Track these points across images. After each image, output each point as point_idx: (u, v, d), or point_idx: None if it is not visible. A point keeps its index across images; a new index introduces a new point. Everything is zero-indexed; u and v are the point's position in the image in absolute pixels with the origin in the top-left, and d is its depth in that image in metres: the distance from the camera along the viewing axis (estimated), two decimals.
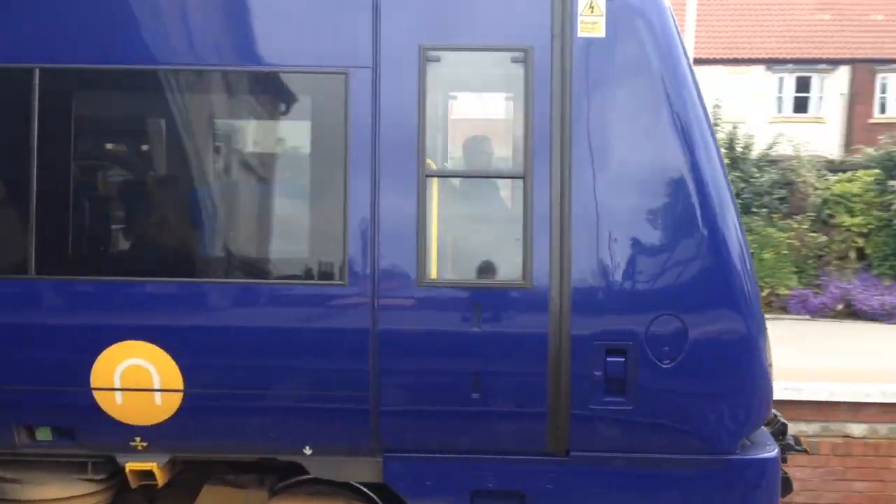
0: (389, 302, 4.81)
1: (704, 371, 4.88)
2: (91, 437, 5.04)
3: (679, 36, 5.00)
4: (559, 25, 4.83)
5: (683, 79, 4.92)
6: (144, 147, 5.11)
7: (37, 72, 4.77)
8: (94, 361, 4.85)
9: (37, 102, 4.76)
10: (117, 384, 4.88)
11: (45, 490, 5.09)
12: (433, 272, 4.83)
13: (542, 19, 4.84)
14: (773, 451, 5.16)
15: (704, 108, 4.98)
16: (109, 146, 5.12)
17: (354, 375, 4.86)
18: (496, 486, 5.06)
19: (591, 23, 4.85)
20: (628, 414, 4.89)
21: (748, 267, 4.95)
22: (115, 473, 5.26)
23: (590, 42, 4.84)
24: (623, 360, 4.82)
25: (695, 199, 4.85)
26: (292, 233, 4.96)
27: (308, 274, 4.89)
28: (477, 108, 5.09)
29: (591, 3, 4.86)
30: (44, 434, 5.05)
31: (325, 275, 4.84)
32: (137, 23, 4.81)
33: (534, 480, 5.04)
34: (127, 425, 4.96)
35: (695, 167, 4.86)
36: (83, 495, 5.17)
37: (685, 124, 4.86)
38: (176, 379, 4.87)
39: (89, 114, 4.98)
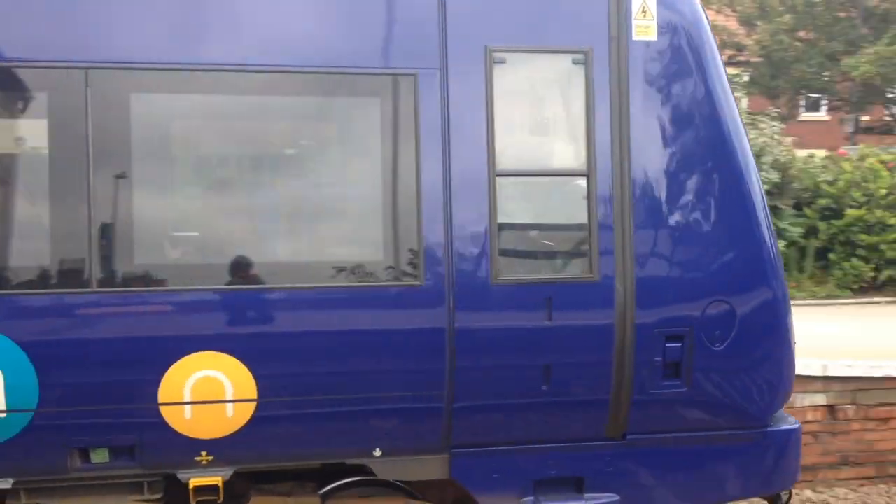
0: (465, 300, 4.86)
1: (749, 350, 5.26)
2: (153, 456, 4.79)
3: (712, 34, 5.34)
4: (616, 28, 5.03)
5: (720, 76, 5.25)
6: (219, 151, 4.88)
7: None
8: (163, 376, 4.62)
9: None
10: (187, 398, 4.67)
11: None
12: (505, 270, 4.93)
13: (600, 22, 5.03)
14: (795, 424, 5.63)
15: (735, 103, 5.34)
16: (176, 152, 4.85)
17: (430, 375, 4.89)
18: (557, 474, 5.24)
19: (644, 26, 5.08)
20: (682, 396, 5.19)
21: (776, 250, 5.37)
22: (166, 491, 5.02)
23: (643, 44, 5.07)
24: (680, 345, 5.11)
25: (738, 190, 5.21)
26: (365, 235, 4.90)
27: (384, 276, 4.85)
28: (540, 107, 5.18)
29: (644, 7, 5.09)
30: (100, 456, 4.75)
31: (402, 275, 4.83)
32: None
33: (592, 465, 5.26)
34: (193, 440, 4.76)
35: (735, 160, 5.21)
36: None
37: (725, 119, 5.20)
38: (250, 389, 4.71)
39: (151, 117, 4.69)
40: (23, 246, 4.55)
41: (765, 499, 5.90)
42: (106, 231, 4.56)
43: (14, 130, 4.69)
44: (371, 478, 5.31)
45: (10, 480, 4.72)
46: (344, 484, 5.37)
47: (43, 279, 4.52)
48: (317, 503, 5.30)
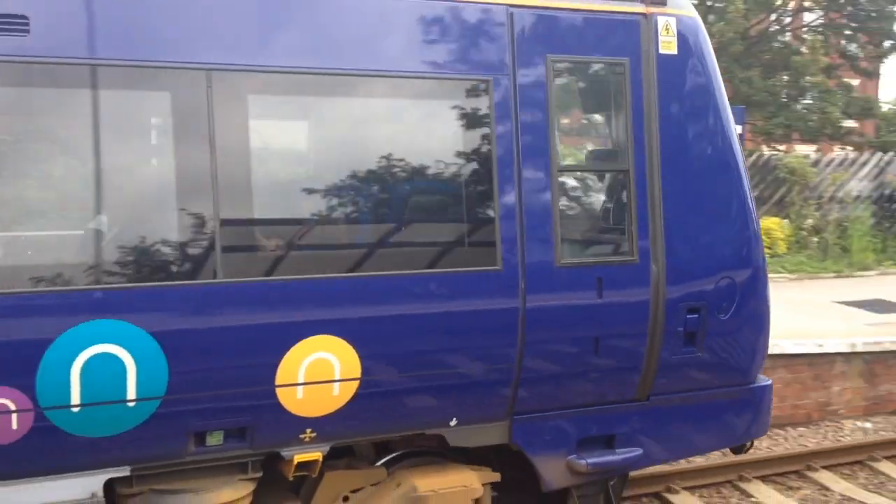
0: (534, 282, 5.49)
1: (745, 318, 6.22)
2: (264, 436, 5.08)
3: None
4: (646, 43, 5.82)
5: (720, 84, 6.17)
6: (333, 152, 5.20)
7: None
8: (281, 359, 4.94)
9: None
10: (301, 379, 5.00)
11: (221, 496, 5.02)
12: (566, 254, 5.60)
13: (635, 38, 5.80)
14: (769, 381, 6.68)
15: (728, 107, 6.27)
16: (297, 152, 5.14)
17: (504, 350, 5.49)
18: (596, 433, 5.99)
19: (667, 42, 5.90)
20: (696, 360, 6.09)
21: (759, 229, 6.37)
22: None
23: (667, 57, 5.89)
24: (697, 316, 6.00)
25: (738, 180, 6.16)
26: (453, 227, 5.41)
27: (468, 262, 5.39)
28: (588, 110, 5.88)
29: (667, 25, 5.91)
30: (215, 438, 4.98)
31: (484, 262, 5.39)
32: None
33: (622, 423, 6.05)
34: (301, 418, 5.09)
35: (735, 155, 6.15)
36: (247, 495, 5.17)
37: (725, 121, 6.13)
38: (355, 368, 5.11)
39: (274, 119, 4.98)
40: (156, 241, 4.72)
41: (731, 448, 6.95)
42: (231, 226, 4.82)
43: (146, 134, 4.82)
44: (422, 448, 5.87)
45: (128, 468, 4.86)
46: (404, 454, 5.88)
47: (174, 272, 4.71)
48: (382, 473, 5.76)
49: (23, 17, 4.46)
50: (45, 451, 4.59)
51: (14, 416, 4.45)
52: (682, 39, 5.96)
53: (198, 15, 4.79)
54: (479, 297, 5.39)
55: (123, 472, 4.85)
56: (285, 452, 5.19)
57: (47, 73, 4.52)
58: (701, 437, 6.43)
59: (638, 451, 6.13)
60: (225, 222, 4.79)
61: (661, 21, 5.89)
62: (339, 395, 5.13)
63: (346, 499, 5.64)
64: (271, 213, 5.02)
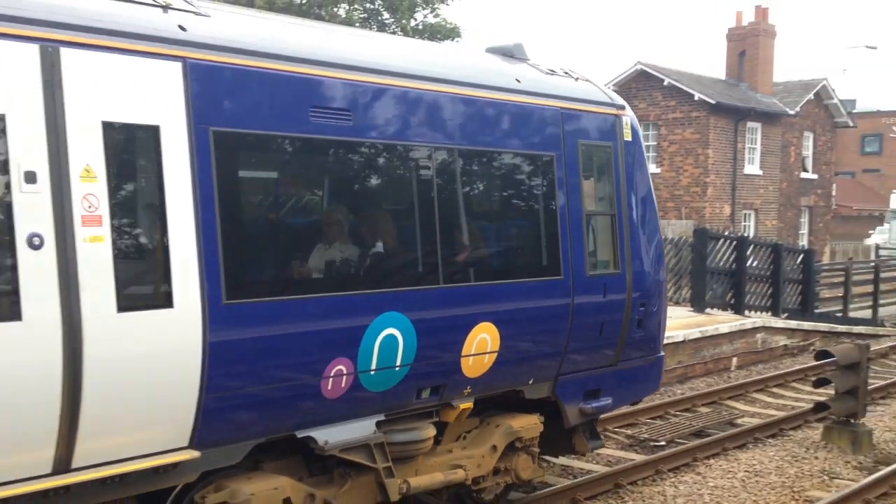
0: (578, 287, 8.56)
1: (659, 309, 9.73)
2: (449, 392, 7.62)
3: None
4: (619, 133, 9.18)
5: (644, 156, 9.74)
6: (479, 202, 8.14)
7: None
8: (466, 337, 7.55)
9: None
10: (472, 351, 7.65)
11: (429, 432, 7.51)
12: (590, 269, 8.75)
13: (614, 130, 9.14)
14: (663, 353, 10.25)
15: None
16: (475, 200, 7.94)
17: (561, 332, 8.48)
18: (592, 387, 9.16)
19: (627, 132, 9.32)
20: (641, 337, 9.48)
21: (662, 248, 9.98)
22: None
23: (627, 142, 9.29)
24: (644, 308, 9.39)
25: (657, 220, 9.76)
26: (538, 251, 8.40)
27: (547, 273, 8.35)
28: (596, 175, 9.14)
29: (627, 122, 9.32)
30: (426, 393, 7.46)
31: (553, 273, 8.38)
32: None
33: (604, 381, 9.29)
34: (468, 379, 7.71)
35: (654, 202, 9.72)
36: (434, 434, 7.64)
37: (649, 180, 9.71)
38: (497, 344, 7.84)
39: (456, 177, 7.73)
40: (411, 261, 7.33)
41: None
42: (449, 252, 7.48)
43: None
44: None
45: (383, 415, 7.21)
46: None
47: (425, 279, 7.27)
48: (476, 421, 8.39)
49: (346, 110, 6.75)
50: (354, 401, 6.83)
51: (344, 377, 6.69)
52: (633, 131, 9.42)
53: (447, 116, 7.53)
54: (552, 297, 8.37)
55: (381, 417, 7.18)
56: (455, 402, 7.78)
57: (364, 149, 6.93)
58: (637, 389, 9.96)
59: (610, 400, 9.40)
60: (445, 251, 7.46)
61: (624, 119, 9.31)
62: (486, 362, 7.83)
63: (463, 437, 8.31)
64: (466, 243, 7.81)
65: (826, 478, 11.12)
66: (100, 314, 5.36)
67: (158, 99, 5.68)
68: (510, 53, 9.03)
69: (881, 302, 27.75)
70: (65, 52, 5.29)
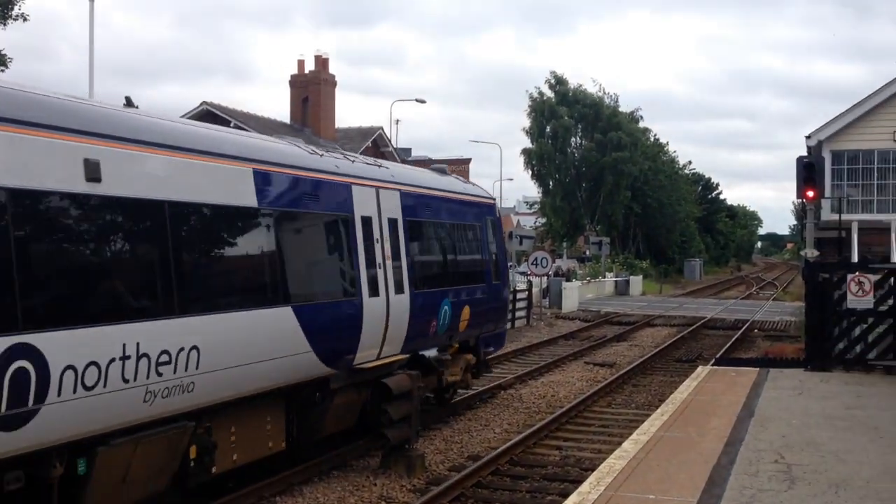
0: (499, 286, 17.73)
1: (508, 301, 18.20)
2: (454, 339, 16.39)
3: None
4: (493, 213, 17.76)
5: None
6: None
7: None
8: (461, 312, 15.35)
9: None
10: (465, 318, 16.10)
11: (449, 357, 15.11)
12: (496, 279, 17.65)
13: (492, 211, 17.72)
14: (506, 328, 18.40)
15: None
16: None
17: (490, 311, 17.59)
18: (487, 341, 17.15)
19: (494, 212, 17.42)
20: (503, 316, 18.25)
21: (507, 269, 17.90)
22: None
23: (495, 218, 17.55)
24: (506, 301, 17.93)
25: (505, 257, 18.29)
26: (483, 271, 17.36)
27: (485, 281, 17.33)
28: (489, 238, 17.84)
29: (494, 205, 17.49)
30: (451, 339, 14.80)
31: (487, 281, 17.32)
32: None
33: (490, 340, 17.39)
34: (459, 333, 16.84)
35: (505, 251, 17.96)
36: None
37: (503, 238, 17.78)
38: (468, 315, 16.56)
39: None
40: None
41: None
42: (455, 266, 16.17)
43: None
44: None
45: (436, 349, 14.89)
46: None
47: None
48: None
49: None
50: (435, 338, 16.81)
51: (435, 325, 14.85)
52: (497, 211, 17.28)
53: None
54: (487, 293, 16.47)
55: (437, 349, 15.10)
56: (453, 343, 15.61)
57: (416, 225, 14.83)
58: (498, 345, 18.29)
59: (493, 348, 17.61)
60: (452, 269, 15.63)
61: (495, 204, 17.28)
62: (463, 326, 15.71)
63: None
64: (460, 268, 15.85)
65: (384, 503, 11.76)
66: (391, 293, 13.61)
67: (395, 206, 14.23)
68: (443, 170, 16.97)
69: None
70: (381, 192, 13.96)
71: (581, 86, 78.32)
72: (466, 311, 15.51)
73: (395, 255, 13.77)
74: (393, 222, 13.89)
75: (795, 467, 10.44)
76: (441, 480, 12.74)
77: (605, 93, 79.22)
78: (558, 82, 77.82)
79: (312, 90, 41.65)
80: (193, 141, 10.07)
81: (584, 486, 9.73)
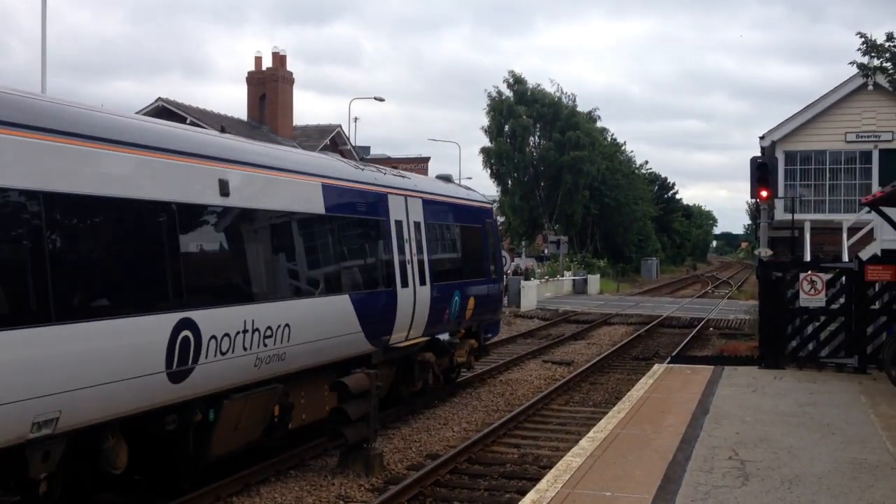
0: (496, 280, 18.93)
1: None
2: (462, 325, 17.76)
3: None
4: (492, 216, 18.79)
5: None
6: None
7: None
8: (468, 303, 16.24)
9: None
10: (470, 307, 17.80)
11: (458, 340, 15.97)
12: (495, 274, 17.73)
13: (490, 214, 19.33)
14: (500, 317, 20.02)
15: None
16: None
17: (489, 302, 19.43)
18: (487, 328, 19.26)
19: (493, 214, 18.63)
20: (498, 307, 19.65)
21: (502, 264, 21.27)
22: None
23: (493, 221, 18.73)
24: (502, 293, 18.97)
25: (501, 254, 19.51)
26: (482, 266, 18.19)
27: (485, 274, 18.58)
28: (490, 238, 18.85)
29: (494, 209, 18.27)
30: (458, 326, 16.86)
31: (487, 274, 17.83)
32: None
33: (489, 328, 19.63)
34: (465, 320, 17.99)
35: (500, 248, 19.10)
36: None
37: (500, 236, 19.77)
38: (472, 306, 17.95)
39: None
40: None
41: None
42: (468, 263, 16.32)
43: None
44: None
45: (448, 333, 16.43)
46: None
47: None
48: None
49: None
50: (448, 324, 17.76)
51: (449, 312, 16.77)
52: (493, 213, 18.57)
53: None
54: (489, 285, 18.19)
55: (448, 332, 17.11)
56: (462, 329, 17.46)
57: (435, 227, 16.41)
58: (494, 331, 20.25)
59: (490, 334, 19.28)
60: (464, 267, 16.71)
61: (494, 208, 18.49)
62: (469, 314, 17.57)
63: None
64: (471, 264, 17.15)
65: (342, 503, 11.72)
66: (417, 285, 16.55)
67: (419, 211, 17.28)
68: (448, 178, 19.27)
69: None
70: (408, 199, 17.03)
71: (539, 85, 78.62)
72: (472, 301, 18.19)
73: (419, 253, 16.77)
74: (417, 225, 16.91)
75: (749, 464, 10.58)
76: (399, 479, 12.71)
77: (563, 92, 79.59)
78: (517, 81, 77.98)
79: (270, 87, 41.41)
80: (283, 162, 13.05)
81: (542, 484, 9.78)
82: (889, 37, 23.51)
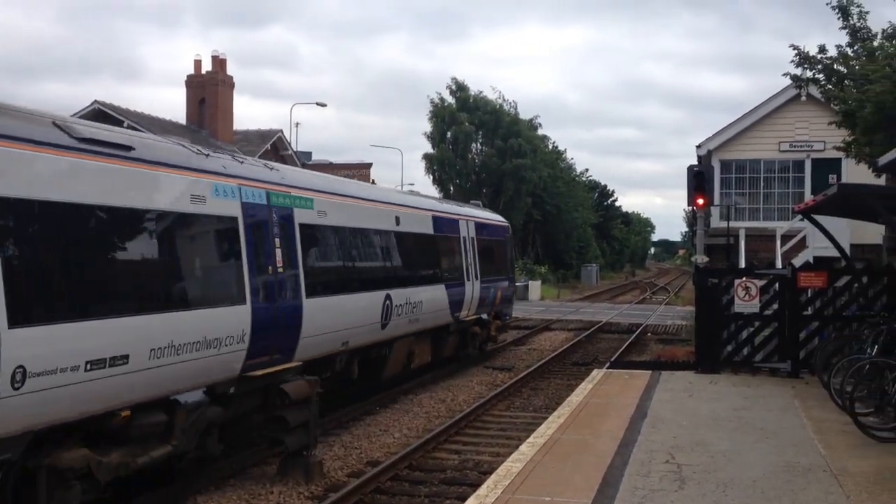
0: (510, 280, 30.75)
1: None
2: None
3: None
4: (510, 232, 37.81)
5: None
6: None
7: None
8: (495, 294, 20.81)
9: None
10: (495, 298, 23.71)
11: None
12: (509, 275, 18.76)
13: (509, 230, 26.51)
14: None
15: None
16: None
17: (504, 296, 24.55)
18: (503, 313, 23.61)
19: (510, 234, 21.72)
20: (511, 299, 22.83)
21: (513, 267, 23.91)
22: None
23: (509, 237, 24.99)
24: (512, 290, 26.18)
25: (511, 254, 27.10)
26: (505, 270, 23.93)
27: (503, 275, 25.00)
28: (509, 247, 20.78)
29: (509, 226, 21.06)
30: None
31: (504, 275, 20.70)
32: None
33: (505, 315, 23.94)
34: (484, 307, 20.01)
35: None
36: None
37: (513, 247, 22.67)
38: (501, 297, 23.38)
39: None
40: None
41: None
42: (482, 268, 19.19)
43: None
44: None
45: None
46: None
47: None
48: None
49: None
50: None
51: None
52: (509, 229, 21.76)
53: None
54: (504, 284, 23.04)
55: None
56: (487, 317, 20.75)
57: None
58: (510, 315, 24.23)
59: (508, 318, 23.33)
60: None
61: (508, 225, 22.60)
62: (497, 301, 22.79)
63: None
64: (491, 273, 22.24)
65: None
66: (474, 281, 24.17)
67: (471, 230, 24.58)
68: (479, 205, 27.81)
69: None
70: (467, 222, 24.57)
71: (481, 92, 78.91)
72: (499, 294, 25.61)
73: (473, 258, 24.47)
74: (472, 240, 24.69)
75: (686, 467, 10.74)
76: (339, 487, 12.64)
77: (504, 100, 80.00)
78: (459, 88, 78.21)
79: (210, 91, 40.82)
80: (416, 202, 22.20)
81: (482, 490, 9.81)
82: (821, 49, 24.12)
